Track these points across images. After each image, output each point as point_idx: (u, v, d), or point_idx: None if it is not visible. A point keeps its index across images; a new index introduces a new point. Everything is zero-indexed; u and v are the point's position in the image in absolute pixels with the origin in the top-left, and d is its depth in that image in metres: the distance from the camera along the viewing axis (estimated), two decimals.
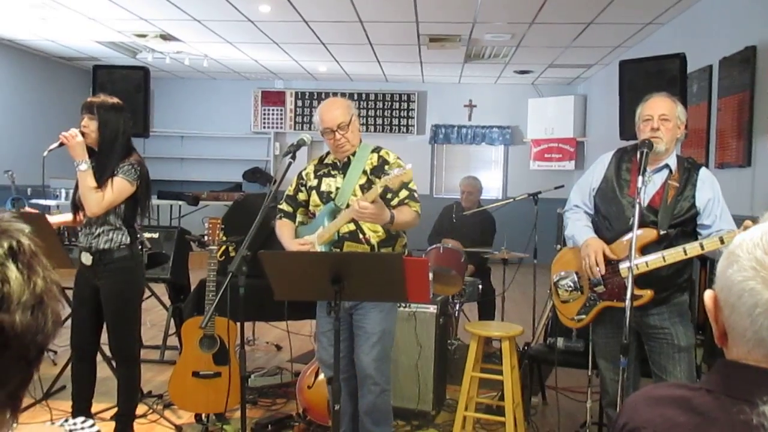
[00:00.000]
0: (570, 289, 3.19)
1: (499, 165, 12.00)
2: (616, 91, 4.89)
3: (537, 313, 5.34)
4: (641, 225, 2.87)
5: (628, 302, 2.69)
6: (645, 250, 2.90)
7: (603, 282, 3.04)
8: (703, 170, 3.02)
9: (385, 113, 11.70)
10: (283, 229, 3.40)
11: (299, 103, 11.92)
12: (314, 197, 3.32)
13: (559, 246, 4.63)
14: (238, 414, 3.63)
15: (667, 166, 3.00)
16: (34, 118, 9.83)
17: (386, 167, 3.21)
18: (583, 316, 3.15)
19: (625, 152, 3.16)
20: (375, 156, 3.29)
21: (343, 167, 3.29)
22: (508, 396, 3.78)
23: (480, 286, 5.42)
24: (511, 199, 5.93)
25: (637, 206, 2.82)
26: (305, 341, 5.41)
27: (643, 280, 2.88)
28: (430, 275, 3.08)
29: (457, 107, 11.81)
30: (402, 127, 11.77)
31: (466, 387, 3.91)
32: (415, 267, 2.70)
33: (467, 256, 5.29)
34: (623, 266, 2.96)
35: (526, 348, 4.34)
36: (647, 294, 2.91)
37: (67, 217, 3.66)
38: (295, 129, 11.84)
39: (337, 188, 3.25)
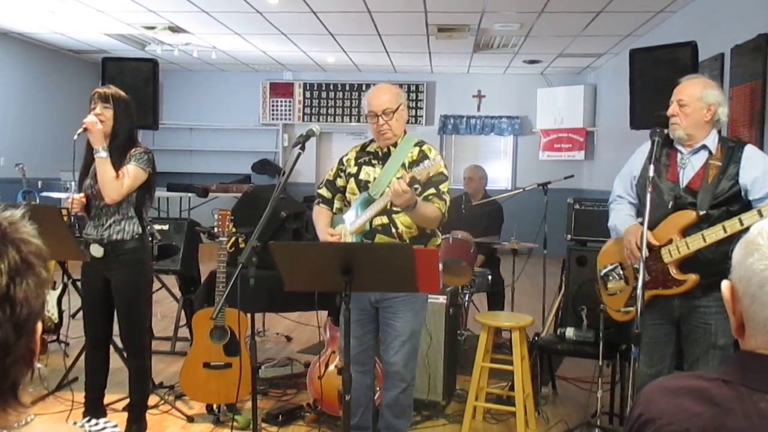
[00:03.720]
0: (615, 280, 3.12)
1: (508, 155, 11.96)
2: (627, 81, 4.86)
3: (547, 303, 5.34)
4: (680, 207, 2.84)
5: (639, 290, 2.67)
6: (686, 232, 2.82)
7: (647, 270, 2.91)
8: (748, 147, 2.91)
9: None
10: (319, 216, 3.37)
11: (307, 94, 11.90)
12: (352, 185, 3.29)
13: (569, 236, 4.63)
14: (249, 404, 3.64)
15: (704, 147, 2.91)
16: (44, 111, 9.86)
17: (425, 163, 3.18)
18: (631, 309, 3.03)
19: (665, 138, 3.05)
20: (416, 150, 3.24)
21: (384, 157, 3.25)
22: (519, 386, 3.78)
23: (489, 277, 5.41)
24: (521, 190, 5.92)
25: (649, 195, 2.80)
26: (315, 332, 5.42)
27: (687, 264, 2.82)
28: (440, 266, 3.06)
29: (465, 98, 11.76)
30: (410, 118, 11.72)
31: (476, 377, 3.91)
32: (425, 257, 2.69)
33: (477, 247, 5.28)
34: (665, 251, 2.88)
35: (536, 338, 4.33)
36: (691, 279, 2.83)
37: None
38: (303, 120, 11.83)
39: (375, 178, 3.22)
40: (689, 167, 2.92)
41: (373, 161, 3.28)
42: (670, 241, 2.86)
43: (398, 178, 2.88)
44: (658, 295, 2.95)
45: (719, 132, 3.01)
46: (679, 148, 2.97)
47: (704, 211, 2.79)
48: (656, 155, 2.85)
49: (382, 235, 3.15)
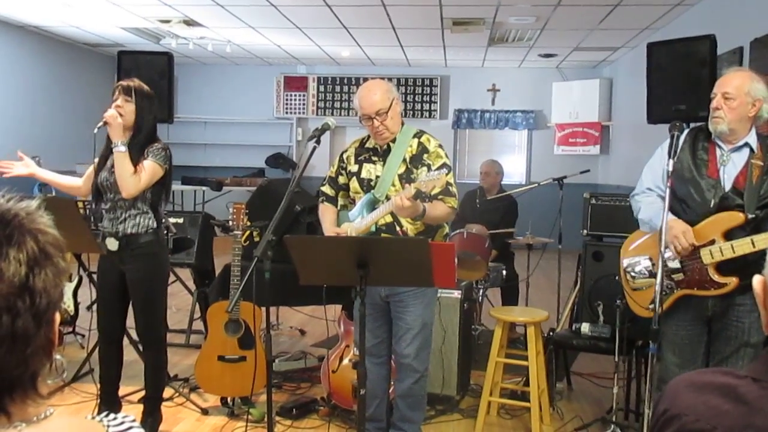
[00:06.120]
0: (643, 276, 2.99)
1: (523, 150, 11.90)
2: (643, 75, 4.80)
3: (561, 298, 5.31)
4: (725, 208, 2.73)
5: (657, 287, 2.64)
6: (729, 234, 2.72)
7: (682, 269, 2.85)
8: None
9: (408, 98, 11.64)
10: (325, 214, 3.39)
11: (322, 88, 11.90)
12: (354, 184, 3.28)
13: (585, 231, 4.59)
14: (263, 398, 3.66)
15: (747, 144, 2.80)
16: (59, 104, 9.91)
17: (425, 156, 3.16)
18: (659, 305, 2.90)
19: (700, 131, 2.95)
20: (415, 142, 3.21)
21: (384, 154, 3.23)
22: (533, 381, 3.77)
23: (504, 272, 5.39)
24: (536, 184, 5.89)
25: (668, 191, 2.74)
26: (329, 326, 5.42)
27: (727, 266, 2.72)
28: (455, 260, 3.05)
29: (480, 92, 11.71)
30: (425, 112, 11.71)
31: (490, 372, 3.90)
32: (441, 252, 2.68)
33: (491, 241, 5.26)
34: (705, 252, 2.77)
35: (551, 333, 4.31)
36: (732, 282, 2.72)
37: (75, 182, 3.67)
38: (317, 114, 11.83)
39: (377, 177, 3.21)
40: (731, 165, 2.80)
41: (374, 158, 3.26)
42: (712, 242, 2.75)
43: (404, 187, 2.89)
44: (689, 295, 2.86)
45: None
46: (719, 143, 2.85)
47: (753, 215, 2.68)
48: (675, 150, 2.80)
49: (387, 234, 3.15)
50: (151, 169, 3.36)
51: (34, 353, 0.92)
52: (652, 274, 2.97)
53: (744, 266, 2.67)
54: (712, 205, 2.77)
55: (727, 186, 2.78)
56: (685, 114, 4.15)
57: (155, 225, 3.48)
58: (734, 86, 2.76)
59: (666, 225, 2.70)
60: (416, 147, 3.21)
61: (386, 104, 3.13)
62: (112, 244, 3.44)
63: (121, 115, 3.35)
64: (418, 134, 3.25)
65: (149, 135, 3.44)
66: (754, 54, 5.38)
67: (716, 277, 2.75)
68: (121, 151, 3.30)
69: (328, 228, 3.31)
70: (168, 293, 3.77)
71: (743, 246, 2.67)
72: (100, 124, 3.35)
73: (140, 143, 3.39)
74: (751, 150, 2.80)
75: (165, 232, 4.41)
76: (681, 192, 2.88)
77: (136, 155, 3.35)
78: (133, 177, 3.31)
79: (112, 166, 3.37)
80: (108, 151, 3.44)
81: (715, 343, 2.90)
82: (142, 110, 3.40)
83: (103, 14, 8.12)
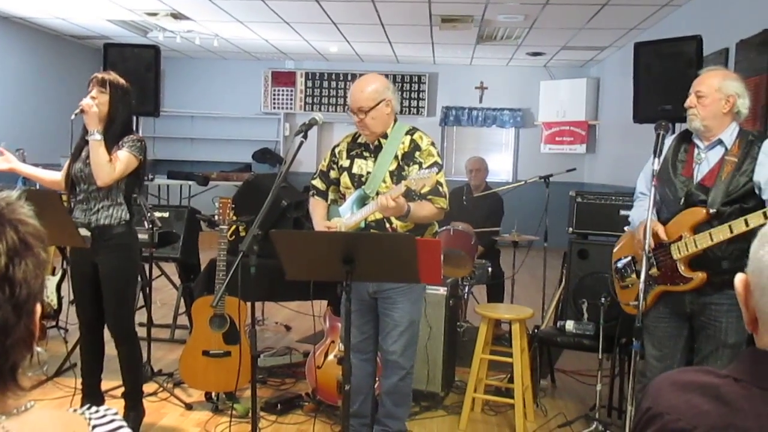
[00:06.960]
0: (628, 274, 3.09)
1: (510, 148, 11.93)
2: (630, 74, 4.84)
3: (546, 296, 5.33)
4: (692, 205, 2.80)
5: (642, 284, 2.66)
6: (697, 229, 2.77)
7: (657, 265, 2.90)
8: (767, 143, 2.79)
9: None
10: (316, 208, 3.37)
11: (309, 83, 11.86)
12: (345, 179, 3.27)
13: (570, 229, 4.62)
14: (247, 393, 3.64)
15: (720, 141, 2.84)
16: (45, 96, 9.82)
17: (417, 154, 3.15)
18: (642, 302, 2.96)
19: (687, 133, 3.00)
20: (408, 139, 3.20)
21: (375, 150, 3.21)
22: (518, 378, 3.78)
23: (490, 269, 5.40)
24: (522, 182, 5.91)
25: (653, 189, 2.77)
26: (315, 321, 5.42)
27: (697, 261, 2.78)
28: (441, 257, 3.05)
29: (468, 89, 11.72)
30: (413, 109, 11.71)
31: (475, 369, 3.91)
32: (427, 248, 2.68)
33: (477, 238, 5.28)
34: (674, 247, 2.83)
35: (535, 331, 4.33)
36: (698, 276, 2.78)
37: (57, 177, 3.63)
38: (305, 110, 11.80)
39: (368, 172, 3.20)
40: (704, 163, 2.86)
41: (365, 154, 3.25)
42: (680, 238, 2.81)
43: (382, 195, 2.91)
44: (667, 291, 2.91)
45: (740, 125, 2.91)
46: (697, 142, 2.91)
47: (714, 209, 2.73)
48: (660, 148, 2.83)
49: (376, 230, 3.14)
50: (125, 159, 3.35)
51: (14, 344, 0.91)
52: (634, 271, 3.05)
53: (714, 262, 2.75)
54: (681, 203, 2.84)
55: (695, 183, 2.85)
56: (671, 114, 4.18)
57: (128, 217, 3.47)
58: (706, 84, 2.83)
59: (648, 224, 2.74)
60: (408, 144, 3.19)
61: (370, 104, 3.11)
62: (84, 234, 3.42)
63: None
64: (411, 131, 3.23)
65: (124, 127, 3.43)
66: (739, 55, 5.42)
67: (685, 272, 2.81)
68: (96, 139, 3.29)
69: (319, 222, 3.29)
70: (153, 287, 3.76)
71: (703, 240, 2.74)
72: (77, 111, 3.34)
73: (114, 135, 3.38)
74: (725, 148, 2.84)
75: (150, 226, 4.41)
76: (660, 192, 2.95)
77: (110, 147, 3.34)
78: (108, 165, 3.30)
79: (87, 157, 3.35)
80: (83, 142, 3.43)
81: (697, 341, 2.95)
82: (116, 102, 3.39)
83: (90, 6, 8.05)
